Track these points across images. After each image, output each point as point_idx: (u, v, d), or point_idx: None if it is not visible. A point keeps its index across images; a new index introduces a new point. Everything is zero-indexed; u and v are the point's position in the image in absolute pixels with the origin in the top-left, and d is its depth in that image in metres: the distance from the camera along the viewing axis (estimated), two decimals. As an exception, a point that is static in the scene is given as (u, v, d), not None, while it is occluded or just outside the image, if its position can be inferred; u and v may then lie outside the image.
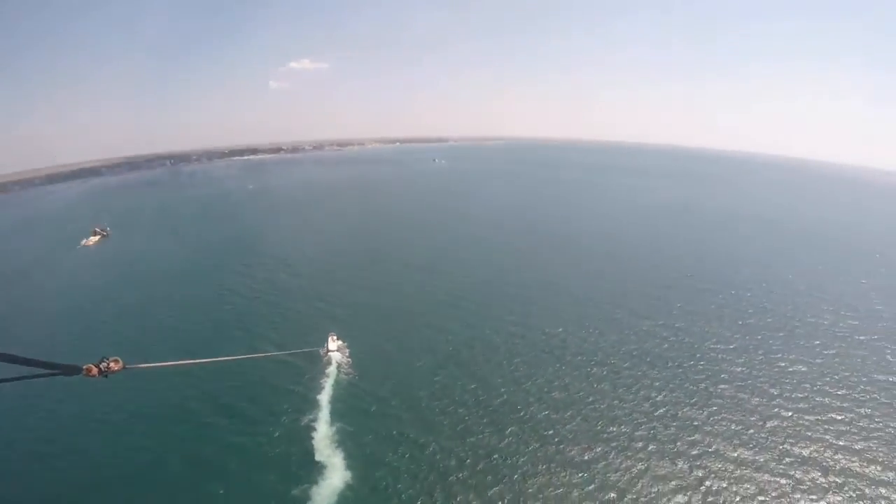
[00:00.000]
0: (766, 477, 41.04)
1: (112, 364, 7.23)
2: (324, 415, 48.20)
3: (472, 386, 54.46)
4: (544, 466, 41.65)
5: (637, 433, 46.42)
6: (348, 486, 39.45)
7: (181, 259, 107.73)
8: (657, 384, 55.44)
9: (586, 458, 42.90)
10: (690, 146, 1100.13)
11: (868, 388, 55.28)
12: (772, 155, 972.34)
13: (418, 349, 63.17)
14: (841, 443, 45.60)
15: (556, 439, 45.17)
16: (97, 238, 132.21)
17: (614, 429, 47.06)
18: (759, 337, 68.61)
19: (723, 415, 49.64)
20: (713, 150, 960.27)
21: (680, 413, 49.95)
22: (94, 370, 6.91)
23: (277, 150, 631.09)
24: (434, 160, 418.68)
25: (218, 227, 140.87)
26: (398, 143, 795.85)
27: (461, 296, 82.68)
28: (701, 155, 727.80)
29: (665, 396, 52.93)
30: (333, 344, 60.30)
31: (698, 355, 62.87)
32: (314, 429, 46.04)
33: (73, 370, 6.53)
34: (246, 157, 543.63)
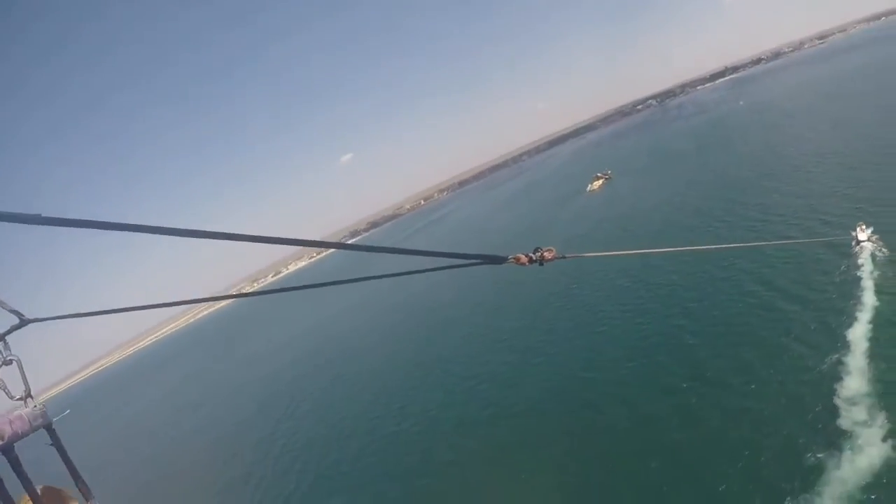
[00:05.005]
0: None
1: (545, 253, 6.60)
2: (855, 340, 31.57)
3: None
4: None
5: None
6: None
7: (680, 186, 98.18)
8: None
9: None
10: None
11: None
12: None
13: None
14: None
15: None
16: (601, 182, 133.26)
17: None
18: None
19: None
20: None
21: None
22: (524, 258, 6.53)
23: (758, 61, 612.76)
24: None
25: (716, 154, 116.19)
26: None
27: None
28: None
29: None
30: (863, 234, 47.52)
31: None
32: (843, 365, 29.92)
33: (499, 260, 6.39)
34: (728, 77, 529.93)
